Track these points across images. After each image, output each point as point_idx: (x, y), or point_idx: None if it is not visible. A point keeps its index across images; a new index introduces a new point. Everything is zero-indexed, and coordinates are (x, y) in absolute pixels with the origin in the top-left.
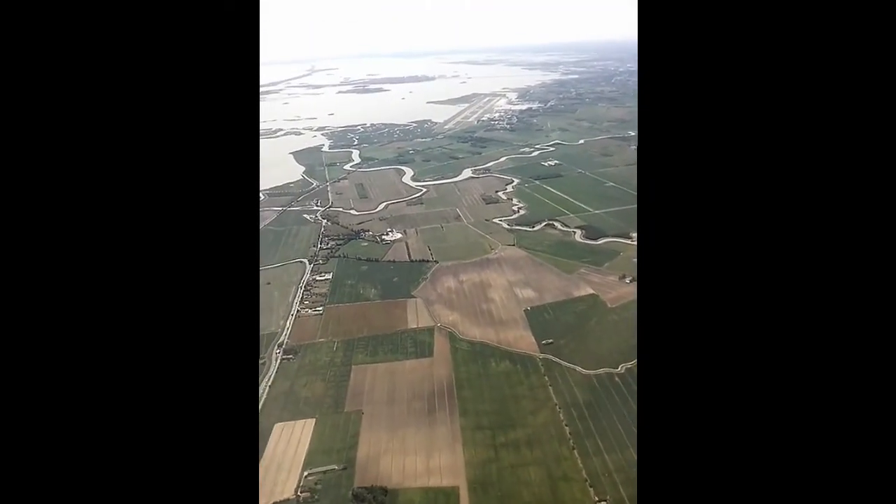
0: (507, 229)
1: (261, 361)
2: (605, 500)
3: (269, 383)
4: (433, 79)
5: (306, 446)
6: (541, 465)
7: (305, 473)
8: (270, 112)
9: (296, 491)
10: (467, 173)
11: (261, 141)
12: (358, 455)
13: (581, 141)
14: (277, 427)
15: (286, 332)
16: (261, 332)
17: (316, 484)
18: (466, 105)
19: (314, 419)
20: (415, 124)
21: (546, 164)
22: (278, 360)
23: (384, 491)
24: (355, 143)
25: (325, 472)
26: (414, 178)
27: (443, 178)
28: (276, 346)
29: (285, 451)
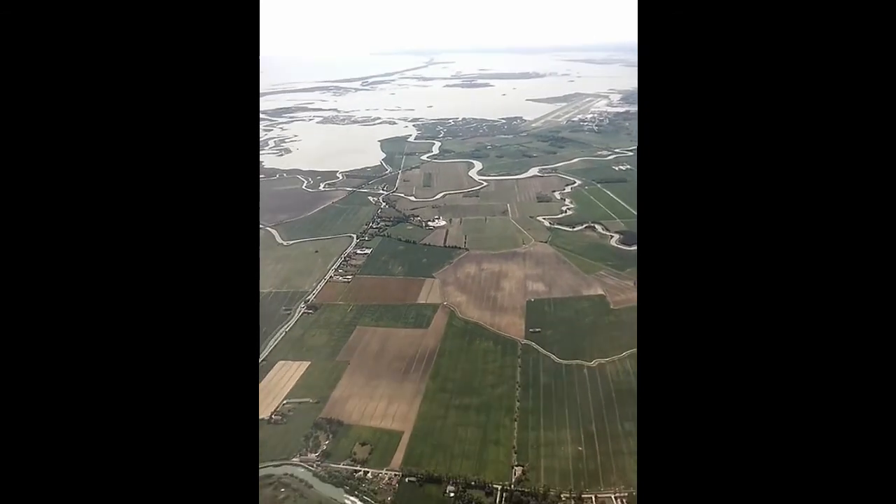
0: (547, 227)
1: (286, 312)
2: (523, 466)
3: (287, 330)
4: (543, 76)
5: (295, 381)
6: (480, 428)
7: (285, 402)
8: (375, 101)
9: (271, 414)
10: (533, 172)
11: (356, 128)
12: (333, 394)
13: None
14: (279, 363)
15: (315, 292)
16: (294, 290)
17: (289, 411)
18: (564, 104)
19: (309, 362)
20: (504, 121)
21: (617, 168)
22: (300, 313)
23: (340, 423)
24: (441, 135)
25: (300, 402)
26: (480, 173)
27: (508, 174)
28: (302, 302)
29: (277, 383)
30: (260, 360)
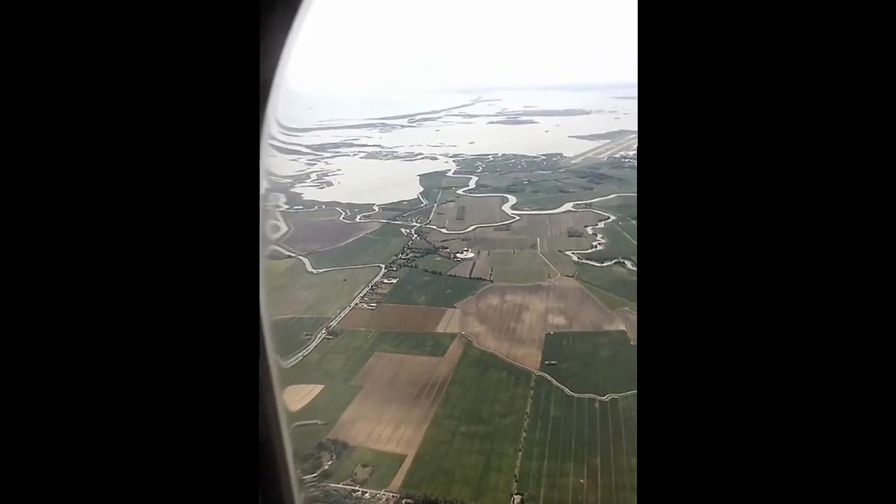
0: (575, 262)
1: (307, 337)
2: (522, 495)
3: (305, 354)
4: (588, 113)
5: (305, 402)
6: (483, 456)
7: (294, 424)
8: (420, 138)
9: None
10: (567, 207)
11: (398, 163)
12: (342, 417)
13: None
14: (293, 387)
15: (338, 318)
16: (318, 317)
17: (295, 432)
18: (607, 141)
19: (323, 385)
20: (543, 157)
21: None
22: (321, 339)
23: (345, 445)
24: (479, 170)
25: (307, 424)
26: (513, 207)
27: (542, 209)
28: (324, 328)
29: (289, 405)
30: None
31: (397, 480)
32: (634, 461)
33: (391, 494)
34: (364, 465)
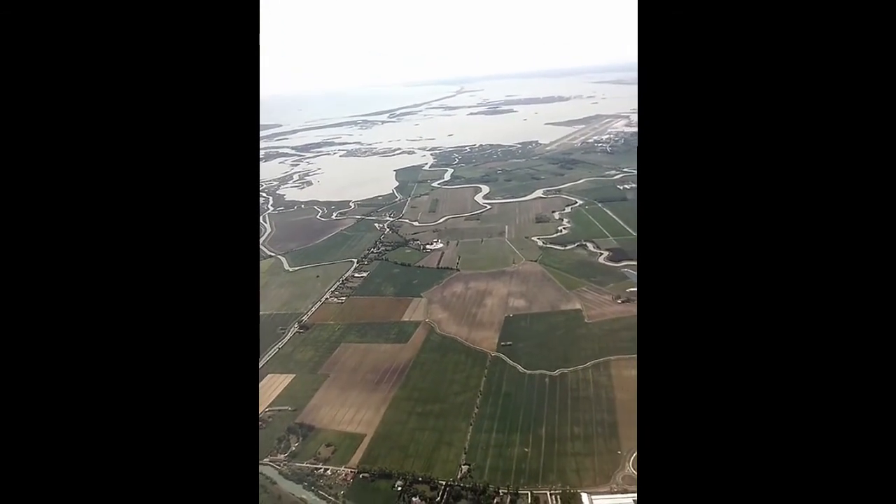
0: (540, 246)
1: (280, 331)
2: (469, 465)
3: (280, 347)
4: (567, 99)
5: (279, 391)
6: (436, 432)
7: (267, 410)
8: (398, 132)
9: None
10: (538, 193)
11: (376, 158)
12: (309, 403)
13: None
14: (270, 376)
15: (309, 313)
16: (290, 312)
17: (268, 417)
18: (582, 126)
19: (294, 375)
20: (519, 145)
21: (621, 187)
22: (293, 333)
23: (311, 428)
24: (456, 162)
25: (279, 410)
26: (486, 197)
27: (513, 197)
28: (296, 322)
29: (263, 393)
30: None
31: (356, 457)
32: (577, 430)
33: (350, 470)
34: (327, 445)
